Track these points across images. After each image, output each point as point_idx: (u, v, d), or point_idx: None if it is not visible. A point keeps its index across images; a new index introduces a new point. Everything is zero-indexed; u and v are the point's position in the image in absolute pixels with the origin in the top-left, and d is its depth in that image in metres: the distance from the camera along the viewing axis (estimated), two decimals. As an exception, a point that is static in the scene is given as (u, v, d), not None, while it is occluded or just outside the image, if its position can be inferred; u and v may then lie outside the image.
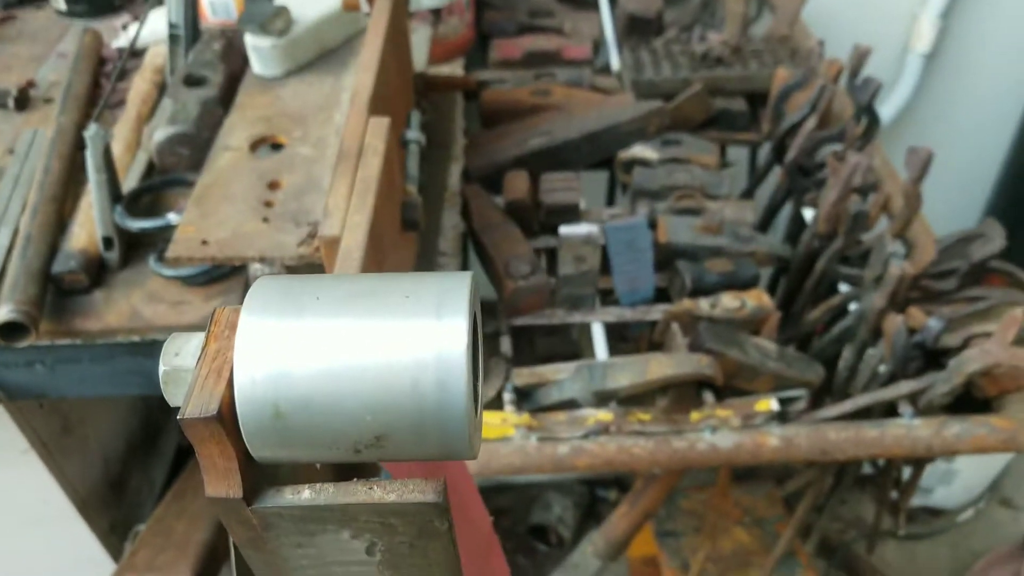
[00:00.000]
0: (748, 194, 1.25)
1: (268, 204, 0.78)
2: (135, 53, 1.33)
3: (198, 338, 0.31)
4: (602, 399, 0.87)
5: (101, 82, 1.27)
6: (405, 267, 0.76)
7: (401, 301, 0.29)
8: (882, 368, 0.90)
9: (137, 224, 0.91)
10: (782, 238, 1.14)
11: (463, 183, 1.12)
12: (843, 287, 1.04)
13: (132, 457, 1.50)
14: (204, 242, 0.75)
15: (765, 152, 1.31)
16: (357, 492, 0.29)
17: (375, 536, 0.30)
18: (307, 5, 0.94)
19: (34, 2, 1.47)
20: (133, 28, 1.34)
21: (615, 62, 1.37)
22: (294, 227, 0.76)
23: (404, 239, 0.80)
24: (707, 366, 0.82)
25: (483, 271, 1.07)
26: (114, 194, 0.95)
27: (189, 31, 1.19)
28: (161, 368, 0.31)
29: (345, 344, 0.28)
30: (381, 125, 0.62)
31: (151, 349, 0.97)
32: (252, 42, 0.90)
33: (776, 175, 1.22)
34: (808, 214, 1.11)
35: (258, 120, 0.87)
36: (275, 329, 0.28)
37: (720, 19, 1.41)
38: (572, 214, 1.06)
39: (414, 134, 0.80)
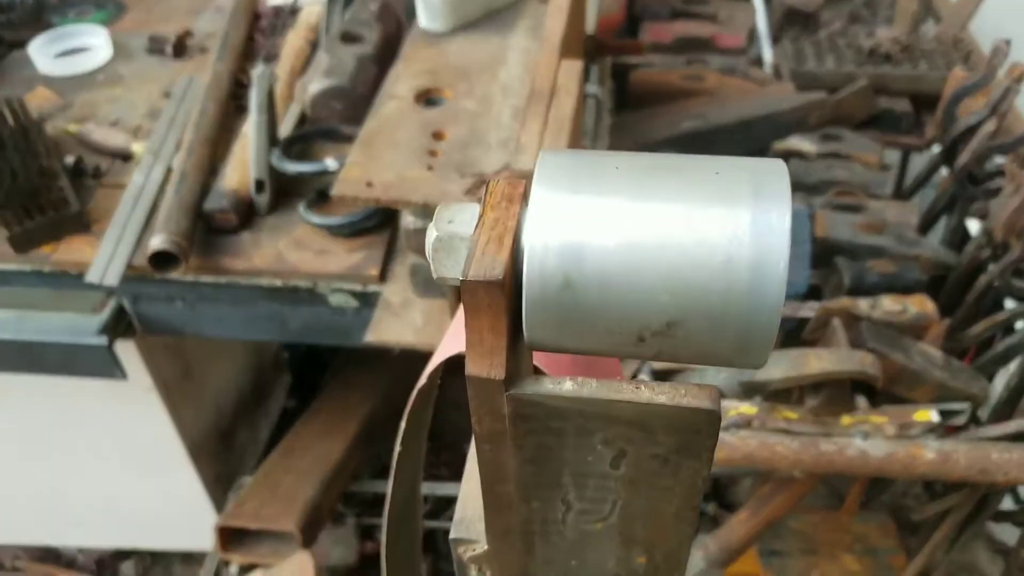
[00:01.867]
0: (904, 197, 1.18)
1: (432, 153, 0.77)
2: (291, 12, 1.36)
3: (472, 208, 0.29)
4: (749, 391, 0.82)
5: (255, 36, 1.30)
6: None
7: (711, 178, 0.26)
8: (1059, 391, 0.83)
9: (295, 167, 0.92)
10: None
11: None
12: (1009, 303, 0.97)
13: (242, 411, 1.53)
14: (369, 183, 0.74)
15: (923, 157, 1.24)
16: (623, 390, 0.26)
17: (627, 445, 0.27)
18: (479, -37, 0.94)
19: (196, -43, 1.52)
20: (289, -13, 1.36)
21: (768, 54, 1.32)
22: (458, 177, 0.74)
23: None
24: (870, 365, 0.77)
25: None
26: (271, 137, 0.96)
27: (347, -7, 1.19)
28: (433, 234, 0.29)
29: (648, 216, 0.26)
30: (574, 68, 0.60)
31: (290, 295, 0.97)
32: (423, -6, 0.90)
33: (935, 181, 1.15)
34: (973, 224, 1.04)
35: (423, 72, 0.87)
36: (570, 200, 0.26)
37: (883, 18, 1.35)
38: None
39: (593, 88, 0.78)
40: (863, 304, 0.89)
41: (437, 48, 0.91)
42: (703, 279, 0.25)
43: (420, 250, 0.83)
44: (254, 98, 0.93)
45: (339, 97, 1.05)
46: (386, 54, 1.17)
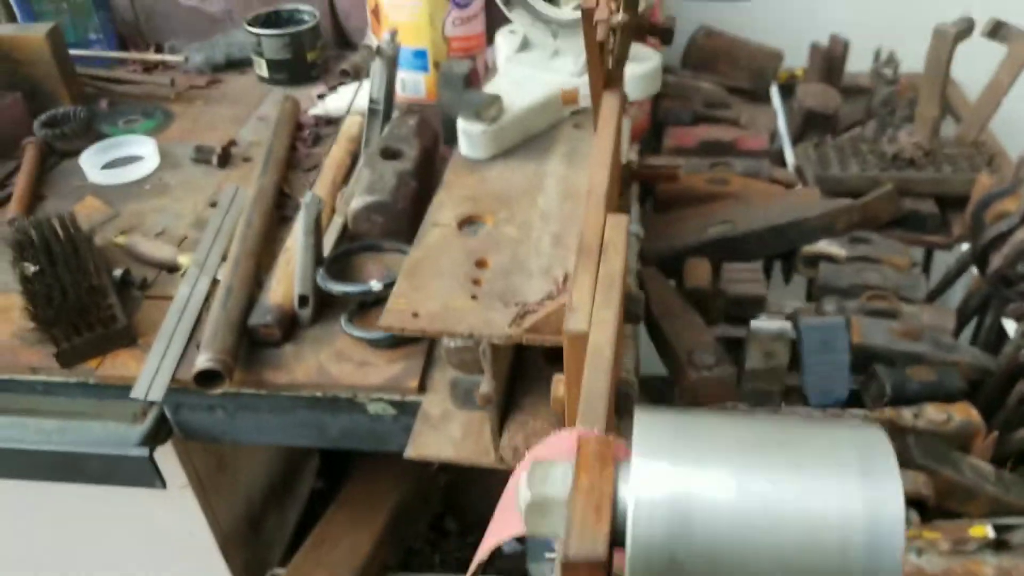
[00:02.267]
0: (931, 298, 1.18)
1: (476, 282, 0.79)
2: (329, 122, 1.41)
3: (563, 467, 0.30)
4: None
5: (298, 146, 1.35)
6: (625, 359, 0.74)
7: (818, 453, 0.27)
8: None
9: (340, 288, 0.94)
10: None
11: (639, 265, 1.12)
12: (1051, 409, 0.96)
13: (271, 497, 1.53)
14: (415, 314, 0.76)
15: (949, 257, 1.25)
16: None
17: None
18: (517, 94, 0.97)
19: (239, 67, 1.59)
20: (330, 98, 1.42)
21: (790, 156, 1.35)
22: (502, 306, 0.76)
23: (623, 331, 0.80)
24: (923, 485, 0.77)
25: (658, 356, 1.05)
26: (317, 256, 0.98)
27: (387, 107, 1.24)
28: (527, 495, 0.30)
29: (758, 495, 0.27)
30: (621, 223, 0.62)
31: (330, 404, 0.99)
32: (464, 127, 0.93)
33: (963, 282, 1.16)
34: (1009, 325, 1.04)
35: (465, 199, 0.90)
36: (673, 473, 0.27)
37: (900, 117, 1.38)
38: (757, 306, 1.03)
39: (635, 227, 0.80)
40: (907, 414, 0.89)
41: (478, 175, 0.94)
42: (818, 563, 0.26)
43: (460, 366, 0.84)
44: (302, 222, 0.96)
45: (380, 212, 1.08)
46: (424, 168, 1.21)
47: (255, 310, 0.99)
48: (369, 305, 1.01)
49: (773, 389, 0.95)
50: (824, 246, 1.11)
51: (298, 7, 1.54)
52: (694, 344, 0.97)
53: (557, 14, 1.04)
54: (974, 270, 1.14)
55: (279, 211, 1.20)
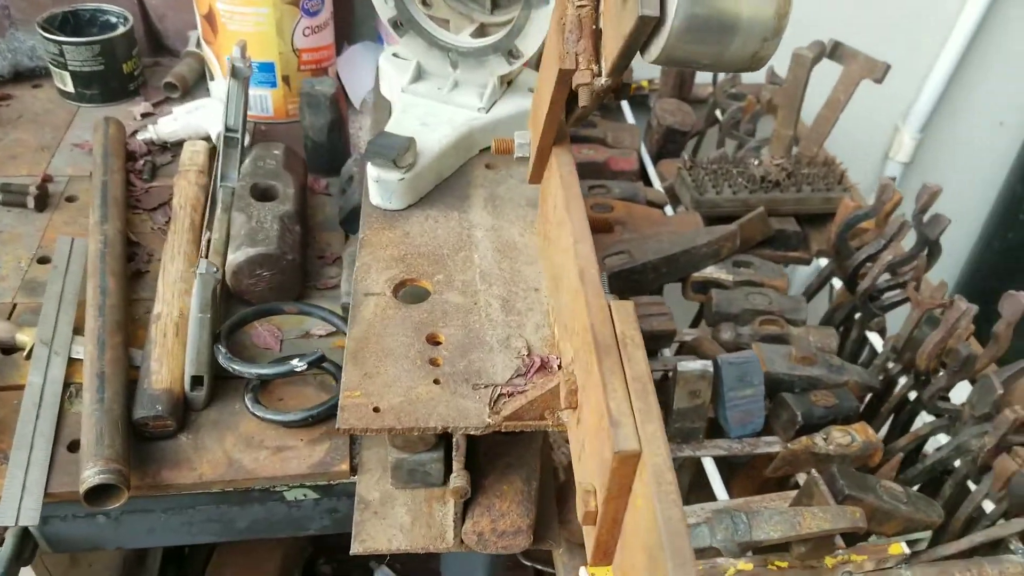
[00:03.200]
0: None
1: (434, 362, 0.73)
2: (165, 148, 1.24)
3: None
4: (745, 549, 0.85)
5: (132, 180, 1.17)
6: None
7: None
8: (987, 504, 0.93)
9: (255, 370, 0.83)
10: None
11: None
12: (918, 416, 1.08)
13: (126, 576, 1.36)
14: (376, 409, 0.68)
15: (808, 271, 1.36)
16: None
17: None
18: (426, 134, 0.90)
19: (29, 80, 1.34)
20: (163, 120, 1.24)
21: (653, 174, 1.39)
22: (470, 390, 0.71)
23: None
24: (860, 519, 0.82)
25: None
26: (214, 333, 0.86)
27: (244, 135, 1.11)
28: None
29: None
30: (627, 310, 0.59)
31: (240, 496, 0.87)
32: (379, 176, 0.85)
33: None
34: (873, 337, 1.15)
35: (393, 260, 0.82)
36: None
37: (745, 131, 1.46)
38: (667, 340, 1.05)
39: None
40: (819, 440, 0.95)
41: (398, 229, 0.86)
42: None
43: (405, 446, 0.78)
44: (196, 297, 0.83)
45: (266, 265, 0.97)
46: (303, 209, 1.10)
47: (139, 399, 0.85)
48: (271, 379, 0.90)
49: (697, 426, 0.97)
50: (712, 272, 1.15)
51: (101, 6, 1.32)
52: (618, 387, 0.96)
53: (456, 41, 0.97)
54: (835, 283, 1.24)
55: (130, 264, 1.04)
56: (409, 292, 0.81)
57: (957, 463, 0.98)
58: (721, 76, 1.56)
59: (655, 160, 1.41)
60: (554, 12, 0.67)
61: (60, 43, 1.25)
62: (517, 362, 0.73)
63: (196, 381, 0.86)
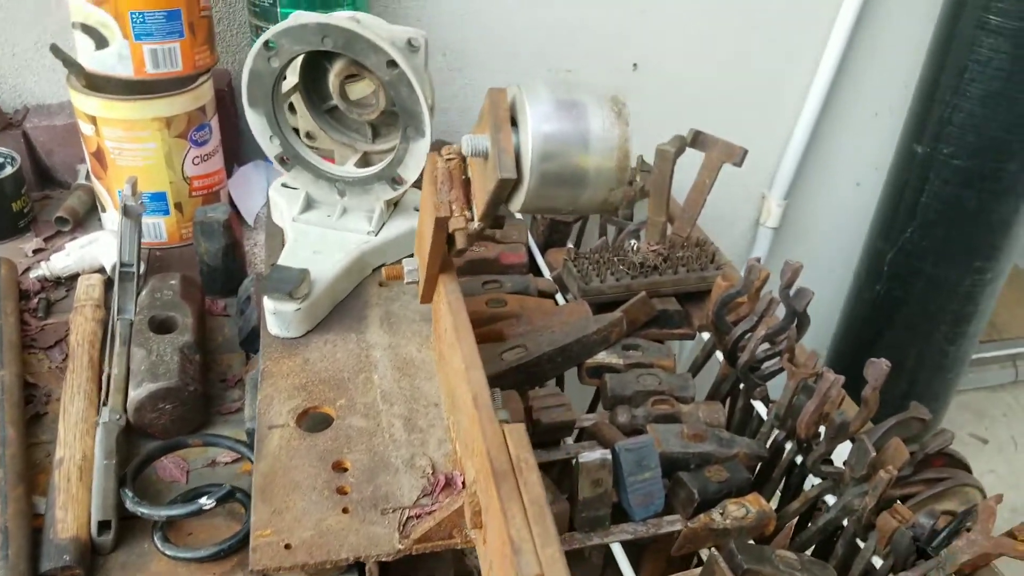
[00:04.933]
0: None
1: (341, 491, 0.76)
2: (58, 283, 1.24)
3: None
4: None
5: (27, 319, 1.16)
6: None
7: None
8: (876, 560, 1.01)
9: (162, 512, 0.84)
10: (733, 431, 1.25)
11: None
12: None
13: None
14: (287, 546, 0.71)
15: (693, 344, 1.44)
16: None
17: None
18: (319, 261, 0.94)
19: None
20: (55, 256, 1.24)
21: (542, 264, 1.46)
22: (379, 515, 0.74)
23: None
24: (757, 589, 0.88)
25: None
26: (120, 477, 0.87)
27: (139, 267, 1.13)
28: None
29: None
30: (520, 433, 0.64)
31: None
32: (276, 308, 0.88)
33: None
34: (758, 405, 1.24)
35: (295, 389, 0.85)
36: None
37: (625, 216, 1.56)
38: (568, 430, 1.10)
39: (502, 415, 0.81)
40: (716, 516, 1.01)
41: (298, 356, 0.89)
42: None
43: (317, 574, 0.80)
44: (100, 445, 0.84)
45: (168, 399, 0.98)
46: (202, 336, 1.11)
47: (45, 550, 0.85)
48: (178, 519, 0.91)
49: (602, 513, 1.02)
50: (603, 357, 1.22)
51: (-14, 146, 1.33)
52: (524, 483, 1.01)
53: (341, 172, 1.03)
54: (718, 355, 1.32)
55: (28, 407, 1.03)
56: (313, 420, 0.84)
57: (845, 522, 1.06)
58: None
59: (543, 250, 1.49)
60: (427, 164, 0.73)
61: (-58, 187, 1.24)
62: (423, 481, 0.77)
63: (103, 525, 0.87)
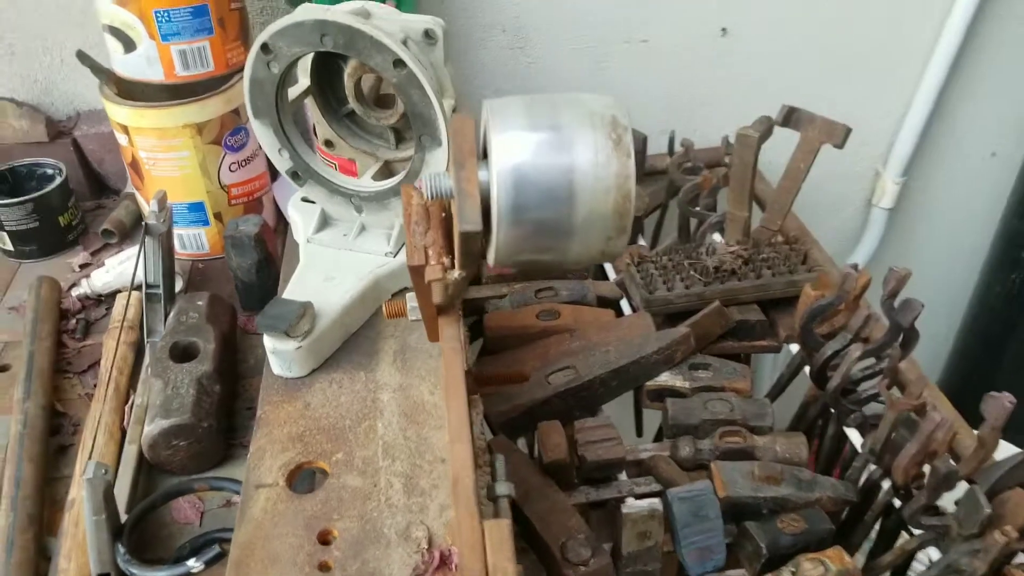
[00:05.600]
0: (773, 397, 1.20)
1: (324, 567, 0.67)
2: (100, 301, 1.21)
3: None
4: None
5: (64, 341, 1.14)
6: None
7: None
8: (981, 630, 0.84)
9: (152, 574, 0.78)
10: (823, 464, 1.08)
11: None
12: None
13: None
14: (257, 632, 0.63)
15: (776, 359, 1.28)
16: None
17: None
18: (328, 289, 0.86)
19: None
20: (96, 273, 1.21)
21: (607, 265, 1.33)
22: (362, 597, 0.65)
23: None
24: None
25: (524, 541, 0.97)
26: (114, 528, 0.82)
27: (167, 287, 1.08)
28: None
29: None
30: (503, 532, 0.53)
31: None
32: (274, 347, 0.80)
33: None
34: (852, 433, 1.07)
35: (290, 440, 0.77)
36: None
37: (706, 205, 1.40)
38: (617, 468, 0.98)
39: (503, 488, 0.70)
40: (787, 575, 0.87)
41: (299, 400, 0.81)
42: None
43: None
44: (88, 501, 0.79)
45: (182, 436, 0.92)
46: (226, 360, 1.05)
47: (45, 604, 0.81)
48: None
49: (651, 569, 0.90)
50: (667, 379, 1.08)
51: (37, 160, 1.31)
52: (563, 532, 0.90)
53: (356, 186, 0.93)
54: (806, 371, 1.16)
55: (55, 438, 1.01)
56: (305, 477, 0.75)
57: (948, 583, 0.89)
58: (677, 148, 1.50)
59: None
60: (403, 198, 0.62)
61: (-7, 204, 1.23)
62: (416, 558, 0.68)
63: (104, 578, 0.82)
